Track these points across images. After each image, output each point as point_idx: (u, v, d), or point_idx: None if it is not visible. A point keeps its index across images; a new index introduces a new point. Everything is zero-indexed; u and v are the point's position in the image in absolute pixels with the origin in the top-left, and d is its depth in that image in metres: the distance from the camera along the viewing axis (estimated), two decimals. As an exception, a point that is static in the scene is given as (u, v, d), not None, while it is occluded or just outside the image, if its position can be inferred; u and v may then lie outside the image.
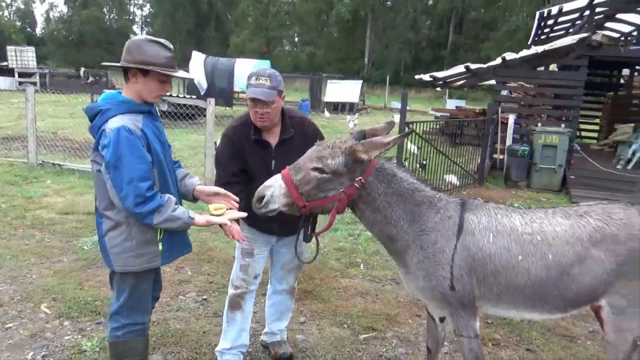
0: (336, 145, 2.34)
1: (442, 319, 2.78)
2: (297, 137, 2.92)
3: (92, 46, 54.82)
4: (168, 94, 2.69)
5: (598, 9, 11.13)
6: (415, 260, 2.42)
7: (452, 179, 8.99)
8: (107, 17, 60.72)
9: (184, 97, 16.88)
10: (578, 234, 2.35)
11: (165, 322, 3.76)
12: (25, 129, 9.14)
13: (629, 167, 10.45)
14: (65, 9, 60.35)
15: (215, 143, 7.52)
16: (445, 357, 3.52)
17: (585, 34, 10.13)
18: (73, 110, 14.10)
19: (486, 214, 2.43)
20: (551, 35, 15.63)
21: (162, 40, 2.37)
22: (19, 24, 60.65)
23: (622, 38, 14.21)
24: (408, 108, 8.48)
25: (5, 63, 28.29)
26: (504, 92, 12.41)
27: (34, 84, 23.67)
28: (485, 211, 2.45)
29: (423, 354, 3.36)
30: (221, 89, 19.43)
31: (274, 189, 2.32)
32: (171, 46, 2.40)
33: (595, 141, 15.46)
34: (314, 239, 2.68)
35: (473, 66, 11.57)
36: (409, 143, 8.89)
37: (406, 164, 8.11)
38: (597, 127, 16.04)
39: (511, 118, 10.83)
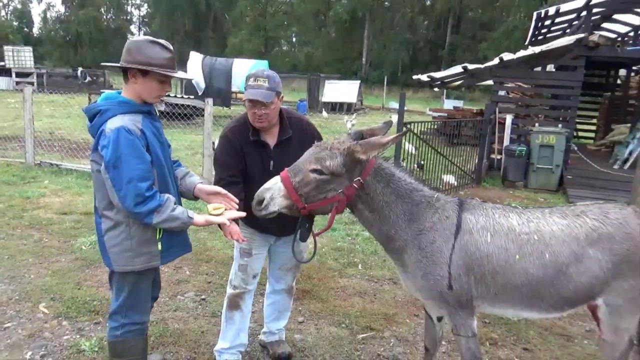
0: (334, 146, 2.34)
1: (439, 319, 2.79)
2: (295, 138, 2.93)
3: (89, 46, 54.69)
4: (166, 94, 2.69)
5: (595, 10, 11.17)
6: (414, 259, 2.43)
7: (449, 179, 9.02)
8: (104, 17, 60.56)
9: (182, 97, 16.88)
10: (575, 233, 2.36)
11: (163, 322, 3.77)
12: (22, 129, 9.12)
13: (626, 167, 10.49)
14: (62, 9, 60.27)
15: (213, 143, 7.53)
16: (443, 356, 3.53)
17: (582, 35, 10.17)
18: (70, 110, 14.09)
19: (484, 214, 2.44)
20: (548, 35, 15.70)
21: (162, 41, 2.38)
22: (16, 24, 60.42)
23: (619, 39, 14.28)
24: (406, 108, 8.51)
25: (2, 63, 28.21)
26: (502, 93, 12.44)
27: (31, 84, 23.58)
28: (483, 211, 2.46)
29: (421, 353, 3.37)
30: (219, 89, 19.44)
31: (273, 192, 2.33)
32: (171, 47, 2.41)
33: (592, 141, 15.52)
34: (311, 238, 2.69)
35: (470, 66, 11.60)
36: (406, 143, 8.92)
37: (404, 164, 8.12)
38: (594, 128, 16.11)
39: (508, 118, 10.86)
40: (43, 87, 24.91)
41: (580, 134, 15.94)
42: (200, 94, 18.67)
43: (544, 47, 10.52)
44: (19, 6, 61.90)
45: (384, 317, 4.03)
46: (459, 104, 23.36)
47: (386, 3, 49.99)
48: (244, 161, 2.87)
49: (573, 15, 12.42)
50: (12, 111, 16.51)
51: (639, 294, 2.38)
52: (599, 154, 12.41)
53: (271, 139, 2.92)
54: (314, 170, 2.31)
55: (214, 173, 3.09)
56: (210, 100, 8.08)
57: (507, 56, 10.85)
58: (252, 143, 2.86)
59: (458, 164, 9.41)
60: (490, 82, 12.30)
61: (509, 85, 12.23)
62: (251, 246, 3.03)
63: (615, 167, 10.72)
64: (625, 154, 10.88)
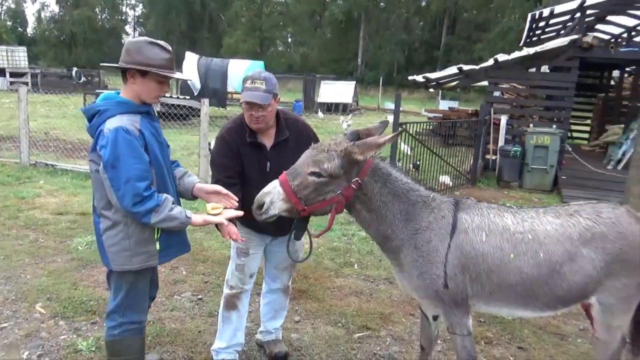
0: (331, 148, 2.36)
1: (435, 317, 2.82)
2: (291, 139, 2.95)
3: (83, 46, 54.47)
4: (165, 94, 2.71)
5: (589, 12, 11.24)
6: (410, 259, 2.45)
7: (445, 179, 9.06)
8: (99, 17, 60.35)
9: (177, 97, 16.86)
10: (568, 232, 2.39)
11: (160, 321, 3.77)
12: (17, 129, 9.10)
13: (619, 167, 10.57)
14: (56, 9, 60.02)
15: (209, 144, 7.53)
16: (439, 355, 3.56)
17: (576, 36, 10.23)
18: (65, 110, 14.05)
19: (479, 214, 2.47)
20: (543, 37, 15.77)
21: (161, 42, 2.40)
22: (9, 23, 60.09)
23: (613, 40, 14.37)
24: (401, 109, 8.54)
25: (-4, 63, 28.06)
26: (497, 93, 12.50)
27: (26, 84, 23.51)
28: (478, 210, 2.49)
29: (417, 352, 3.40)
30: (214, 90, 19.39)
31: (273, 195, 2.34)
32: (170, 48, 2.42)
33: (586, 142, 15.62)
34: (306, 237, 2.71)
35: (466, 67, 11.65)
36: (402, 144, 8.95)
37: (399, 164, 8.16)
38: (588, 128, 16.21)
39: (503, 119, 10.92)
40: (37, 87, 24.76)
41: (575, 134, 16.04)
42: (195, 94, 18.63)
43: (538, 49, 10.58)
44: (12, 6, 61.62)
45: (380, 316, 4.05)
46: (454, 104, 23.41)
47: (381, 4, 50.10)
48: (240, 162, 2.88)
49: (567, 17, 12.49)
50: (7, 111, 16.43)
51: (632, 293, 2.42)
52: (593, 155, 12.49)
53: (268, 141, 2.93)
54: (313, 173, 2.32)
55: (210, 173, 3.11)
56: (206, 101, 8.09)
57: (501, 57, 10.91)
58: (249, 144, 2.87)
59: (453, 165, 9.45)
60: (485, 83, 12.35)
61: (503, 86, 12.29)
62: (248, 246, 3.04)
63: (609, 167, 10.79)
64: (619, 155, 10.96)
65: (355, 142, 2.35)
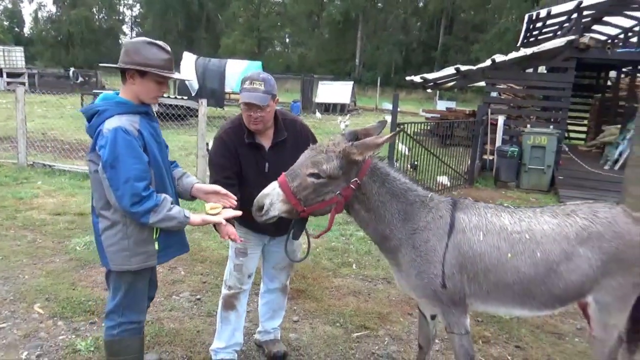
0: (330, 149, 2.36)
1: (433, 317, 2.83)
2: (290, 140, 2.96)
3: (81, 46, 54.31)
4: (164, 94, 2.72)
5: (585, 12, 11.29)
6: (408, 258, 2.47)
7: (442, 179, 9.08)
8: (96, 17, 60.18)
9: (175, 98, 16.85)
10: (565, 232, 2.41)
11: (159, 321, 3.78)
12: (14, 129, 9.08)
13: (616, 167, 10.61)
14: (53, 9, 59.80)
15: (207, 144, 7.54)
16: (437, 354, 3.58)
17: (573, 37, 10.27)
18: (63, 110, 14.02)
19: (476, 213, 2.48)
20: (540, 37, 15.83)
21: (160, 43, 2.41)
22: (6, 23, 59.85)
23: (609, 41, 14.46)
24: (399, 109, 8.55)
25: (-7, 63, 27.98)
26: (494, 94, 12.54)
27: (23, 84, 23.44)
28: (476, 210, 2.50)
29: (415, 351, 3.41)
30: (212, 90, 19.37)
31: (273, 197, 2.35)
32: (169, 48, 2.43)
33: (583, 142, 15.67)
34: (304, 237, 2.72)
35: (463, 68, 11.68)
36: (399, 144, 8.97)
37: (397, 164, 8.18)
38: (585, 129, 16.28)
39: (501, 119, 10.95)
40: (34, 87, 24.73)
41: (572, 135, 16.09)
42: (193, 94, 18.61)
43: (535, 49, 10.62)
44: (9, 6, 61.31)
45: (378, 316, 4.07)
46: (452, 105, 23.44)
47: (379, 4, 50.13)
48: (238, 163, 2.88)
49: (564, 18, 12.55)
50: (4, 111, 16.38)
51: (628, 292, 2.44)
52: (589, 155, 12.54)
53: (266, 141, 2.94)
54: (311, 174, 2.33)
55: (208, 174, 3.11)
56: (204, 101, 8.10)
57: (499, 58, 10.94)
58: (247, 145, 2.88)
59: (451, 165, 9.48)
60: (482, 83, 12.38)
61: (501, 86, 12.33)
62: (246, 246, 3.05)
63: (606, 167, 10.84)
64: (616, 155, 11.01)
65: (353, 143, 2.35)
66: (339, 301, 4.32)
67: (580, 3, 10.67)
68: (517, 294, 2.44)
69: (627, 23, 13.00)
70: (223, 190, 2.59)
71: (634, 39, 12.95)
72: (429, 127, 11.67)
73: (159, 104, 14.36)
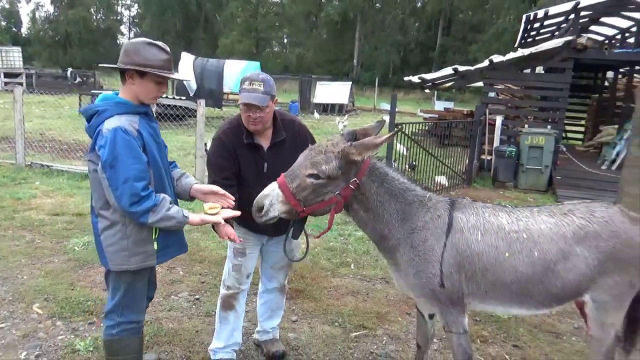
0: (329, 149, 2.37)
1: (431, 316, 2.84)
2: (288, 140, 2.96)
3: (78, 46, 54.17)
4: (163, 95, 2.73)
5: (583, 13, 11.32)
6: (406, 258, 2.48)
7: (441, 179, 9.10)
8: (94, 17, 60.05)
9: (173, 98, 16.85)
10: (562, 231, 2.42)
11: (158, 321, 3.78)
12: (12, 129, 9.06)
13: (613, 167, 10.65)
14: (51, 9, 59.59)
15: (205, 144, 7.54)
16: (435, 353, 3.59)
17: (570, 37, 10.31)
18: (61, 111, 14.01)
19: (474, 213, 2.49)
20: (537, 38, 15.86)
21: (159, 43, 2.42)
22: (4, 24, 59.74)
23: (607, 41, 14.49)
24: (397, 109, 8.58)
25: (-9, 64, 27.93)
26: (492, 94, 12.56)
27: (20, 84, 23.40)
28: (474, 210, 2.51)
29: (413, 350, 3.42)
30: (210, 90, 19.40)
31: (272, 198, 2.36)
32: (168, 49, 2.44)
33: (580, 142, 15.72)
34: (303, 237, 2.73)
35: (461, 68, 11.71)
36: (398, 144, 8.99)
37: (395, 164, 8.19)
38: (582, 129, 16.32)
39: (498, 120, 10.98)
40: (32, 87, 24.69)
41: (569, 135, 16.14)
42: (191, 95, 18.63)
43: (533, 50, 10.65)
44: (6, 6, 61.16)
45: (377, 315, 4.08)
46: (450, 105, 23.50)
47: (377, 5, 50.15)
48: (237, 163, 2.89)
49: (561, 18, 12.58)
50: (2, 112, 16.36)
51: (624, 291, 2.45)
52: (587, 155, 12.58)
53: (265, 141, 2.95)
54: (311, 175, 2.34)
55: (206, 174, 3.12)
56: (202, 102, 8.11)
57: (496, 58, 10.97)
58: (246, 145, 2.88)
59: (449, 165, 9.50)
60: (480, 83, 12.41)
61: (498, 86, 12.36)
62: (245, 246, 3.05)
63: (603, 167, 10.87)
64: (613, 155, 11.04)
65: (352, 143, 2.36)
66: (338, 301, 4.33)
67: (578, 4, 10.70)
68: (514, 293, 2.45)
69: (624, 24, 13.03)
70: (221, 191, 2.60)
71: (631, 40, 13.00)
72: (427, 128, 11.71)
73: (157, 104, 14.36)
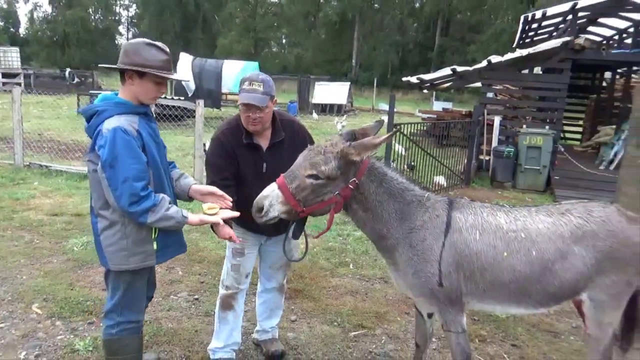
0: (328, 150, 2.38)
1: (430, 315, 2.85)
2: (287, 140, 2.97)
3: (77, 47, 54.08)
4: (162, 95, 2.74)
5: (581, 14, 11.36)
6: (405, 257, 2.49)
7: (439, 179, 9.12)
8: (92, 17, 59.97)
9: (172, 98, 16.84)
10: (560, 231, 2.43)
11: (157, 321, 3.79)
12: (11, 130, 9.06)
13: (611, 167, 10.68)
14: (49, 9, 59.50)
15: (204, 145, 7.55)
16: (434, 353, 3.60)
17: (568, 38, 10.33)
18: (59, 111, 13.99)
19: (472, 213, 2.50)
20: (535, 38, 15.90)
21: (159, 44, 2.43)
22: (2, 24, 59.67)
23: (604, 42, 14.54)
24: (395, 110, 8.59)
25: (-11, 64, 27.86)
26: (490, 95, 12.59)
27: (18, 84, 23.37)
28: (472, 210, 2.52)
29: (412, 350, 3.44)
30: (209, 91, 19.39)
31: (272, 198, 2.37)
32: (167, 49, 2.45)
33: (578, 142, 15.76)
34: (302, 237, 2.73)
35: (459, 69, 11.73)
36: (396, 144, 9.00)
37: (394, 165, 8.20)
38: (580, 129, 16.36)
39: (497, 120, 11.01)
40: (30, 88, 24.63)
41: (567, 135, 16.17)
42: (190, 95, 18.63)
43: (531, 50, 10.68)
44: (4, 6, 61.04)
45: (376, 315, 4.09)
46: (448, 105, 23.53)
47: (376, 5, 50.15)
48: (236, 163, 2.90)
49: (559, 19, 12.62)
50: (0, 112, 16.33)
51: (621, 289, 2.47)
52: (585, 155, 12.61)
53: (264, 142, 2.95)
54: (310, 176, 2.35)
55: (205, 174, 3.12)
56: (201, 102, 8.11)
57: (495, 59, 11.00)
58: (245, 146, 2.89)
59: (447, 165, 9.52)
60: (478, 84, 12.44)
61: (497, 87, 12.38)
62: (243, 246, 3.06)
63: (601, 167, 10.90)
64: (611, 155, 11.08)
65: (351, 143, 2.37)
66: (337, 301, 4.34)
67: (576, 5, 10.73)
68: (513, 292, 2.47)
69: (621, 24, 13.08)
70: (219, 192, 2.61)
71: (629, 40, 13.05)
72: (425, 128, 11.72)
73: (156, 105, 14.35)
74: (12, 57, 28.01)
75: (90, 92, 18.17)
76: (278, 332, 3.55)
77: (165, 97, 16.14)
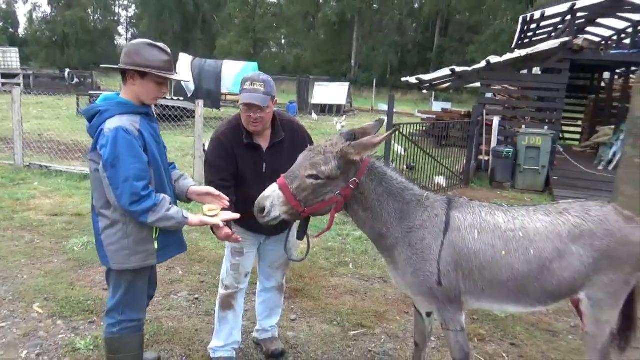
0: (328, 150, 2.39)
1: (429, 314, 2.86)
2: (287, 140, 2.99)
3: (76, 47, 54.05)
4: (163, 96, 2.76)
5: (579, 14, 11.39)
6: (404, 256, 2.50)
7: (438, 180, 9.14)
8: (91, 18, 59.94)
9: (171, 98, 16.86)
10: (558, 230, 2.45)
11: (157, 320, 3.81)
12: (10, 130, 9.07)
13: (610, 167, 10.71)
14: (48, 10, 59.49)
15: (203, 145, 7.56)
16: (433, 352, 3.62)
17: (567, 38, 10.36)
18: (59, 112, 13.99)
19: (471, 212, 2.52)
20: (534, 39, 15.94)
21: (160, 44, 2.45)
22: (1, 24, 59.65)
23: (603, 42, 14.58)
24: (395, 110, 8.61)
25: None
26: (489, 95, 12.61)
27: (18, 85, 23.36)
28: (470, 209, 2.54)
29: (411, 349, 3.45)
30: (208, 91, 19.39)
31: (273, 199, 2.38)
32: (169, 50, 2.47)
33: (577, 143, 15.79)
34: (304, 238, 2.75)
35: (458, 69, 11.76)
36: (395, 145, 9.02)
37: (393, 165, 8.22)
38: (579, 129, 16.39)
39: (496, 120, 11.03)
40: (30, 88, 24.63)
41: (566, 135, 16.21)
42: (189, 95, 18.63)
43: (529, 50, 10.71)
44: (3, 6, 60.99)
45: (375, 314, 4.11)
46: (447, 106, 23.57)
47: (375, 5, 50.20)
48: (235, 163, 2.91)
49: (558, 19, 12.64)
50: (-1, 113, 16.34)
51: (619, 288, 2.49)
52: (584, 155, 12.64)
53: (264, 142, 2.97)
54: (310, 176, 2.36)
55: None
56: (201, 102, 8.13)
57: (494, 59, 11.02)
58: (245, 146, 2.90)
59: (447, 165, 9.54)
60: (477, 84, 12.47)
61: (496, 87, 12.41)
62: (243, 245, 3.07)
63: (600, 168, 10.93)
64: (610, 155, 11.10)
65: (351, 143, 2.38)
66: (336, 300, 4.36)
67: (574, 5, 10.77)
68: (511, 291, 2.48)
69: (620, 25, 13.12)
70: (216, 192, 2.62)
71: (627, 41, 13.08)
72: (424, 128, 11.74)
73: (155, 105, 14.36)
74: (11, 57, 27.99)
75: (90, 92, 18.19)
76: (278, 331, 3.56)
77: (164, 98, 16.16)
